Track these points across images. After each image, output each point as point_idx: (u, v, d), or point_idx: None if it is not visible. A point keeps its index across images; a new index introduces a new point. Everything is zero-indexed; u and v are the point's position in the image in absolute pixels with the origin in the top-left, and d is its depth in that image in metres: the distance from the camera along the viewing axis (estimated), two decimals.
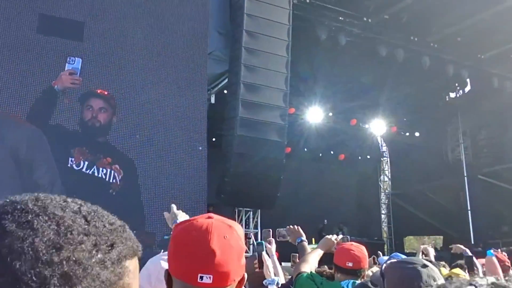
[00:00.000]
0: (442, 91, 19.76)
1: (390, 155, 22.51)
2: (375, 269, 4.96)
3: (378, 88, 17.81)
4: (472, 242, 16.41)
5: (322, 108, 18.42)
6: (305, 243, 3.36)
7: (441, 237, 19.23)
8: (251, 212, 12.93)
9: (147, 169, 11.36)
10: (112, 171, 11.02)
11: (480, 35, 15.50)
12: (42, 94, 10.64)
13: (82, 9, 11.33)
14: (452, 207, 18.95)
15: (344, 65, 16.15)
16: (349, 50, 15.18)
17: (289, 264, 5.78)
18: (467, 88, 19.19)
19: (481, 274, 4.47)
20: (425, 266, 1.72)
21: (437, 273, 1.74)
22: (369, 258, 3.62)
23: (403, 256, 3.50)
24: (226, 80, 13.09)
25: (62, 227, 0.57)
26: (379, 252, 7.90)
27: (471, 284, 0.90)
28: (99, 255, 0.58)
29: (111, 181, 11.03)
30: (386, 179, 22.43)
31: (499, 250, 5.78)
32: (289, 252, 5.07)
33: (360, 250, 2.94)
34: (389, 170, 22.45)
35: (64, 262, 0.54)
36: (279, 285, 2.57)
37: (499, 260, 4.58)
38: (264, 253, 2.57)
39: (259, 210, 13.03)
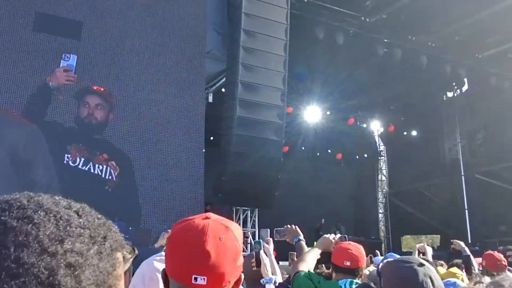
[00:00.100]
0: (440, 90, 19.80)
1: (388, 154, 22.53)
2: (372, 268, 4.98)
3: (375, 87, 17.83)
4: (469, 241, 16.43)
5: (320, 107, 18.46)
6: (303, 243, 3.36)
7: (438, 236, 19.27)
8: (249, 211, 12.93)
9: (143, 166, 11.36)
10: (108, 168, 11.01)
11: (478, 35, 15.54)
12: (37, 91, 10.63)
13: (81, 9, 11.36)
14: (449, 206, 18.97)
15: (342, 64, 16.16)
16: (347, 49, 15.18)
17: (286, 263, 5.79)
18: (465, 88, 19.24)
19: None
20: (421, 265, 1.72)
21: (434, 272, 1.75)
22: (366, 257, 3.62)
23: (398, 256, 3.51)
24: (224, 79, 13.08)
25: (61, 221, 0.60)
26: (377, 251, 7.92)
27: None
28: (95, 247, 0.60)
29: (107, 177, 11.02)
30: (383, 178, 22.46)
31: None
32: (286, 251, 5.08)
33: (358, 249, 2.96)
34: (387, 169, 22.47)
35: (68, 253, 0.57)
36: (277, 284, 2.57)
37: (496, 259, 4.59)
38: (261, 252, 2.57)
39: (257, 209, 13.03)
